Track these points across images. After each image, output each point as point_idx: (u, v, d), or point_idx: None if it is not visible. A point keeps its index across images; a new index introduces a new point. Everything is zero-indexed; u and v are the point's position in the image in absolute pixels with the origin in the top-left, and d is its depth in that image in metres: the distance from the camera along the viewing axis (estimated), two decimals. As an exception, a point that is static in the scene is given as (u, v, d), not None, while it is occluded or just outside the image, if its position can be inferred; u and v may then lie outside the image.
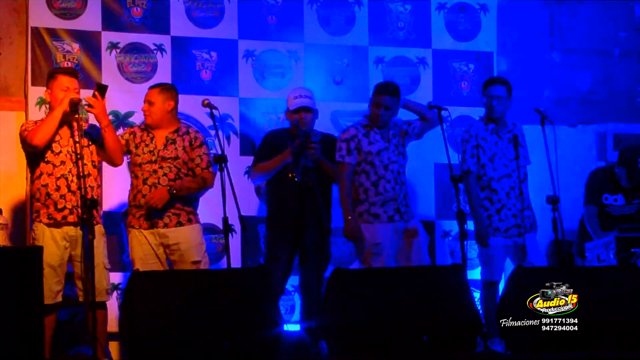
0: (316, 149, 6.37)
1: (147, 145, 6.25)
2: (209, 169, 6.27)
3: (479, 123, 6.70)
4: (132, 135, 6.32)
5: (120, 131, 7.23)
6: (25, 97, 7.17)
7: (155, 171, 6.17)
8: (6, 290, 5.04)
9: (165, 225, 6.13)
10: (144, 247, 6.14)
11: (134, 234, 6.18)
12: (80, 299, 5.90)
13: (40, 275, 5.26)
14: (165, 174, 6.17)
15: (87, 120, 6.41)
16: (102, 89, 5.89)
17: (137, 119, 7.33)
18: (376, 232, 6.37)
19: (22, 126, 5.99)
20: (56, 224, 5.82)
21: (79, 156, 5.76)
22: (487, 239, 6.48)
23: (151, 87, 6.39)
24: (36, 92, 7.09)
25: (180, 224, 6.15)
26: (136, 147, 6.26)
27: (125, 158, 6.31)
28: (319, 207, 6.06)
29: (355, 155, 6.45)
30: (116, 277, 6.80)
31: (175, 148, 6.23)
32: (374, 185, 6.42)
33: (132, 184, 6.28)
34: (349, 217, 6.36)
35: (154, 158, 6.19)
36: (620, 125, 8.18)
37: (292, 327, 6.63)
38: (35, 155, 5.88)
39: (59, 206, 5.82)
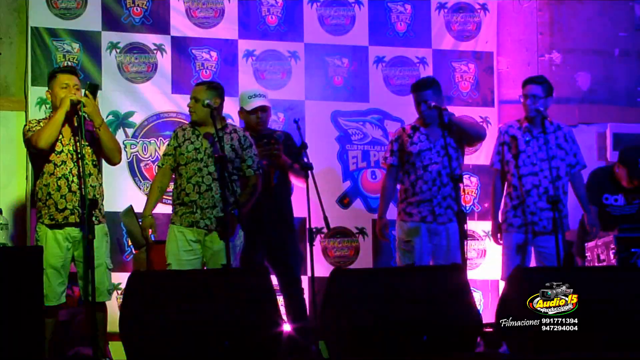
0: (278, 150, 6.41)
1: (192, 143, 6.15)
2: (258, 171, 6.20)
3: (514, 121, 6.73)
4: (175, 139, 6.19)
5: (119, 131, 7.27)
6: (25, 97, 7.17)
7: (200, 169, 6.09)
8: (6, 290, 5.03)
9: (206, 226, 6.09)
10: (180, 242, 6.06)
11: (172, 229, 6.11)
12: (82, 299, 5.89)
13: (40, 275, 5.26)
14: (209, 173, 6.10)
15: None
16: (93, 89, 5.85)
17: (137, 118, 7.35)
18: (409, 230, 6.45)
19: (24, 126, 5.96)
20: (58, 225, 5.81)
21: (79, 156, 5.75)
22: (497, 238, 6.63)
23: (198, 84, 6.29)
24: (36, 92, 7.09)
25: (220, 225, 6.03)
26: (180, 145, 6.15)
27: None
28: (277, 208, 6.33)
29: (397, 156, 6.57)
30: (116, 277, 6.80)
31: (222, 145, 6.15)
32: (412, 185, 6.47)
33: (175, 182, 6.17)
34: (380, 218, 6.62)
35: (199, 156, 6.13)
36: (620, 125, 8.17)
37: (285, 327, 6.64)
38: (39, 156, 5.87)
39: (60, 207, 5.81)
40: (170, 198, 6.36)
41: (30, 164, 6.99)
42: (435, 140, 6.50)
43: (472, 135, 6.61)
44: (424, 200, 6.47)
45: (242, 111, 6.58)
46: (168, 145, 6.21)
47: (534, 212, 6.53)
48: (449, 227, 6.43)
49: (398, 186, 6.72)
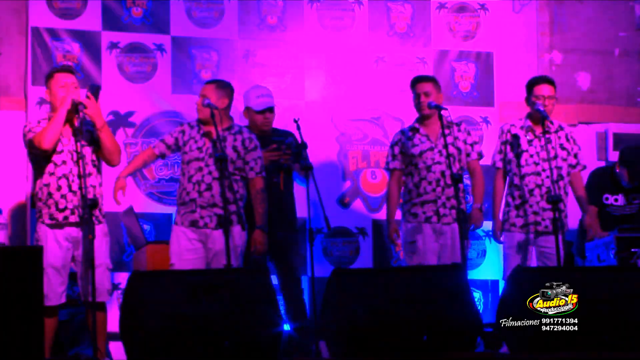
0: (288, 155, 6.39)
1: (195, 142, 6.14)
2: (262, 174, 6.18)
3: (516, 120, 6.73)
4: (181, 134, 6.19)
5: (119, 131, 7.27)
6: (25, 97, 7.18)
7: (200, 168, 6.08)
8: (6, 290, 5.03)
9: (206, 225, 6.07)
10: (182, 242, 6.05)
11: (175, 229, 6.11)
12: (82, 299, 5.89)
13: (40, 275, 5.25)
14: (210, 172, 6.08)
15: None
16: (95, 90, 5.84)
17: (137, 118, 7.35)
18: (413, 231, 6.44)
19: (24, 127, 5.95)
20: (58, 225, 5.81)
21: (79, 155, 5.75)
22: (498, 236, 6.60)
23: (208, 82, 6.29)
24: (36, 92, 7.09)
25: (220, 225, 6.01)
26: (184, 144, 6.15)
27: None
28: (278, 209, 6.33)
29: (399, 159, 6.54)
30: (116, 277, 6.81)
31: (225, 145, 6.16)
32: (415, 186, 6.47)
33: (180, 183, 6.17)
34: (389, 222, 6.56)
35: (201, 155, 6.12)
36: (620, 125, 8.17)
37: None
38: (41, 156, 5.86)
39: (60, 206, 5.80)
40: (169, 198, 6.37)
41: (30, 164, 7.00)
42: (436, 140, 6.50)
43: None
44: (428, 200, 6.46)
45: (247, 110, 6.58)
46: (171, 134, 6.22)
47: (536, 212, 6.52)
48: (454, 228, 6.41)
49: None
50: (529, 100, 6.64)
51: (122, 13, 7.35)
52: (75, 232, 5.81)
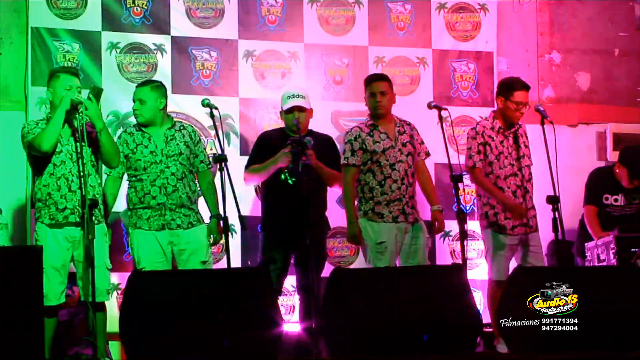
0: (311, 155, 6.27)
1: (146, 147, 6.19)
2: (210, 165, 6.28)
3: (485, 122, 6.69)
4: (125, 141, 6.22)
5: (119, 131, 7.26)
6: (25, 97, 7.17)
7: (162, 171, 6.13)
8: (6, 290, 5.03)
9: (178, 226, 6.11)
10: (151, 245, 6.09)
11: (141, 233, 6.13)
12: (82, 299, 5.89)
13: (40, 275, 5.26)
14: (172, 173, 6.13)
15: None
16: (96, 92, 5.84)
17: (137, 119, 7.34)
18: (380, 231, 6.36)
19: (23, 128, 5.95)
20: (57, 225, 5.81)
21: (79, 155, 5.75)
22: (521, 209, 6.45)
23: (139, 85, 6.33)
24: (36, 92, 7.09)
25: (191, 224, 6.15)
26: (134, 151, 6.18)
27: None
28: (312, 209, 6.14)
29: (359, 155, 6.44)
30: (116, 277, 6.80)
31: (177, 144, 6.19)
32: (379, 184, 6.41)
33: (134, 187, 6.18)
34: (352, 223, 6.38)
35: (158, 158, 6.16)
36: (620, 125, 8.17)
37: (292, 327, 6.63)
38: (41, 158, 5.86)
39: (60, 206, 5.80)
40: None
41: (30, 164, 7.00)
42: (394, 139, 6.45)
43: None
44: (393, 200, 6.40)
45: (281, 111, 6.59)
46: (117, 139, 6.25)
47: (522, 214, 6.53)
48: (419, 227, 6.40)
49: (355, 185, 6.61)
50: (503, 102, 6.56)
51: (122, 13, 7.35)
52: (75, 232, 5.82)
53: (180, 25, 7.45)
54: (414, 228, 6.40)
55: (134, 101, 6.24)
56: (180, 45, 7.44)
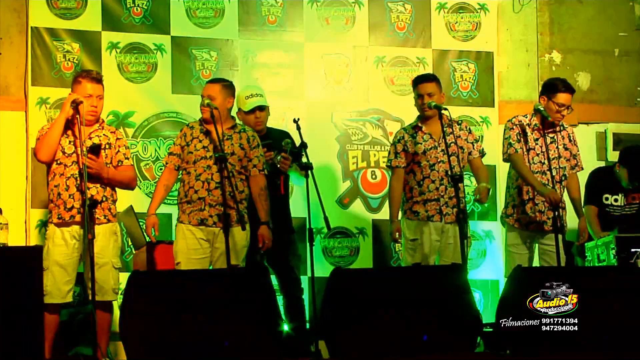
0: (289, 160, 6.36)
1: (200, 142, 6.12)
2: (264, 171, 6.18)
3: (523, 117, 6.67)
4: (183, 137, 6.16)
5: (120, 131, 7.25)
6: (25, 97, 7.17)
7: (209, 167, 6.05)
8: (6, 290, 5.04)
9: (214, 224, 6.04)
10: (189, 241, 6.01)
11: (180, 227, 6.07)
12: (90, 297, 5.88)
13: (40, 275, 5.26)
14: (218, 171, 6.03)
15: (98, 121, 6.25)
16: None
17: (137, 119, 7.35)
18: (415, 228, 6.42)
19: (38, 132, 5.95)
20: (65, 224, 5.83)
21: (81, 152, 5.76)
22: (556, 194, 6.33)
23: (211, 82, 6.24)
24: (36, 92, 7.10)
25: (230, 224, 5.98)
26: (188, 144, 6.12)
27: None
28: (286, 210, 6.40)
29: (402, 157, 6.49)
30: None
31: (232, 144, 6.10)
32: (418, 184, 6.45)
33: (182, 181, 6.12)
34: (392, 221, 6.47)
35: (208, 154, 6.09)
36: (620, 125, 8.17)
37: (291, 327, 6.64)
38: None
39: (68, 206, 5.83)
40: (169, 197, 6.35)
41: (30, 164, 7.01)
42: (438, 139, 6.48)
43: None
44: (430, 199, 6.44)
45: (239, 112, 6.57)
46: (174, 144, 6.20)
47: (541, 211, 6.51)
48: (457, 227, 6.37)
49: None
50: (547, 103, 6.48)
51: (122, 13, 7.35)
52: (81, 231, 5.82)
53: (180, 25, 7.45)
54: (451, 227, 6.41)
55: (202, 96, 6.15)
56: (180, 45, 7.44)
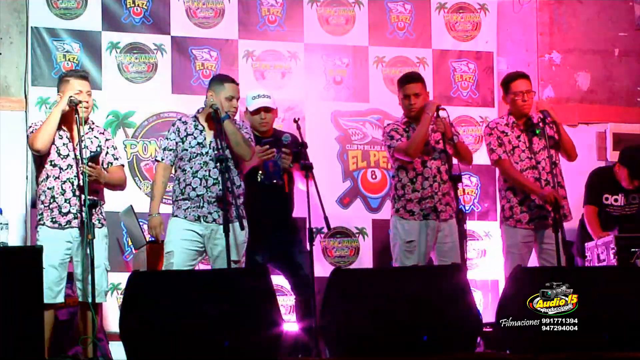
0: (289, 154, 6.35)
1: (195, 138, 6.13)
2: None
3: (499, 119, 6.70)
4: (176, 133, 6.15)
5: (119, 131, 7.27)
6: (25, 97, 7.17)
7: (206, 163, 6.05)
8: (6, 290, 5.03)
9: (214, 220, 6.07)
10: (183, 232, 6.01)
11: (175, 220, 6.05)
12: (80, 299, 5.89)
13: (40, 275, 5.26)
14: (216, 167, 6.00)
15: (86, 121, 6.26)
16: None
17: (137, 118, 7.34)
18: (410, 230, 6.37)
19: (29, 127, 5.98)
20: (60, 228, 5.83)
21: (81, 157, 5.76)
22: (551, 193, 6.35)
23: (234, 82, 6.24)
24: (36, 92, 7.10)
25: (229, 220, 5.94)
26: (182, 140, 6.13)
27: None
28: (291, 209, 6.37)
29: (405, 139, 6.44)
30: (116, 277, 6.80)
31: (222, 146, 6.09)
32: (411, 181, 6.42)
33: (177, 178, 6.11)
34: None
35: (204, 150, 6.08)
36: (620, 125, 8.17)
37: (292, 327, 6.63)
38: (40, 158, 5.89)
39: (63, 210, 5.83)
40: (169, 197, 6.35)
41: (30, 164, 7.00)
42: (428, 137, 6.46)
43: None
44: (425, 197, 6.42)
45: (245, 111, 6.59)
46: (168, 139, 6.18)
47: (540, 206, 6.51)
48: (452, 224, 6.35)
49: (392, 182, 6.67)
50: (507, 98, 6.64)
51: (122, 13, 7.35)
52: (76, 234, 5.83)
53: (180, 25, 7.45)
54: (447, 225, 6.39)
55: (236, 98, 6.17)
56: (180, 45, 7.44)
